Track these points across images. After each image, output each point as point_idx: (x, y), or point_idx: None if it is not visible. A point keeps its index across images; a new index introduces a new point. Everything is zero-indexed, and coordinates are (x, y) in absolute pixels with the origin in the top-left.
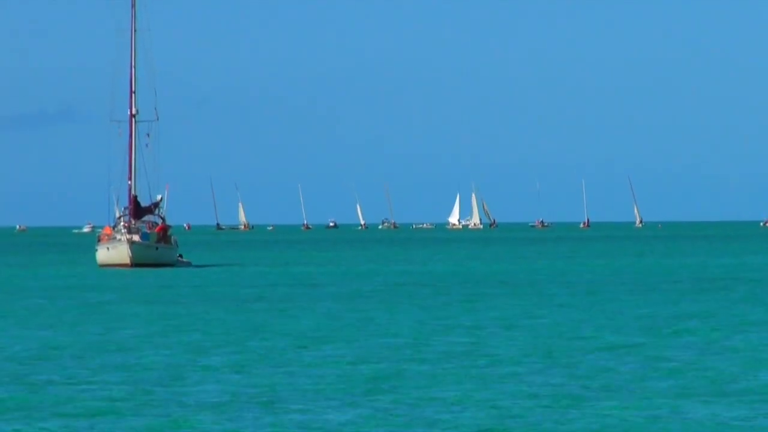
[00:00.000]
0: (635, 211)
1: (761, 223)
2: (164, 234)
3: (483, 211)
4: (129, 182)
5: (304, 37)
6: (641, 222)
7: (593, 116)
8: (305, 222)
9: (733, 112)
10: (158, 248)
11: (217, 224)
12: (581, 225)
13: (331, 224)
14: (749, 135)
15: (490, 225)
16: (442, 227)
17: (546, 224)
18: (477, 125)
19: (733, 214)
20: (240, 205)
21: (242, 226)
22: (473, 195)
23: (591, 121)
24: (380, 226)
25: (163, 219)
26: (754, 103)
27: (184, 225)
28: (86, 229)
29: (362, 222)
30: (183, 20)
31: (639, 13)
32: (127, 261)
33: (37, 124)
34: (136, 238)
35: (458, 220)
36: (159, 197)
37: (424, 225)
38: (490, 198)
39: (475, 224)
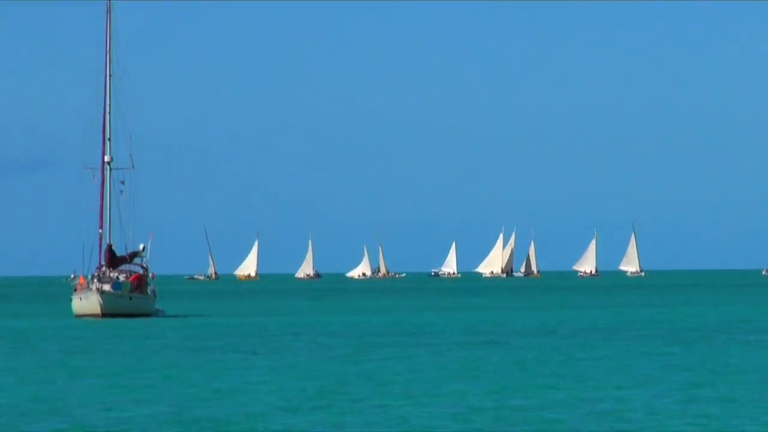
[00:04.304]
0: (635, 258)
1: (763, 271)
2: (139, 283)
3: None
4: (100, 231)
5: (290, 85)
6: (642, 271)
7: (588, 165)
8: (315, 270)
9: (734, 160)
10: (132, 298)
11: (210, 273)
12: (580, 274)
13: (312, 274)
14: (748, 182)
15: (506, 273)
16: (427, 276)
17: (538, 273)
18: (467, 176)
19: (728, 263)
20: (209, 254)
21: (211, 276)
22: (500, 237)
23: (588, 171)
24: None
25: (146, 269)
26: (753, 150)
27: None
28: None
29: (365, 271)
30: (163, 67)
31: (639, 60)
32: (98, 311)
33: (6, 171)
34: (106, 287)
35: (455, 269)
36: (141, 246)
37: (396, 275)
38: (471, 248)
39: (492, 272)
